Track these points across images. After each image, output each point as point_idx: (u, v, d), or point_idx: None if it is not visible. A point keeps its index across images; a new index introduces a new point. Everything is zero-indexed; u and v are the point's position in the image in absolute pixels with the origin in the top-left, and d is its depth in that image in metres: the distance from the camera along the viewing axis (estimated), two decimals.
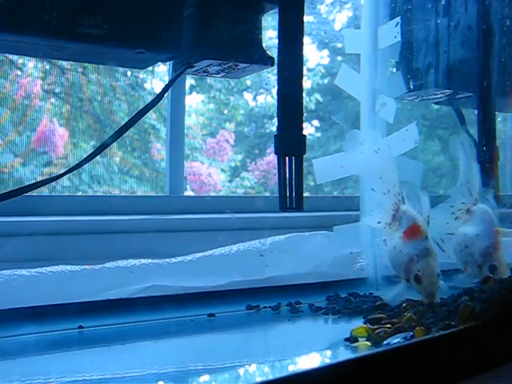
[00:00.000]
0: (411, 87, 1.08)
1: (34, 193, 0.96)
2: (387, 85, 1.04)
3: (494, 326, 0.67)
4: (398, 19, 1.02)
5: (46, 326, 0.74)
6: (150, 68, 1.63)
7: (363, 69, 1.05)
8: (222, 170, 2.11)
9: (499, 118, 1.43)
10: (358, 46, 1.05)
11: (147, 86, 1.85)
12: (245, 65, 0.85)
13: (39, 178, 1.02)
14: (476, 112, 1.08)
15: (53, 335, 0.73)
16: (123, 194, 1.69)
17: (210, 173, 1.99)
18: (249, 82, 2.22)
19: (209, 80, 2.06)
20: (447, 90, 1.07)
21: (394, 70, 1.11)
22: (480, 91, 1.04)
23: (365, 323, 0.73)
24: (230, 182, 2.20)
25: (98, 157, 1.27)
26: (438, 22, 1.05)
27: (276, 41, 0.85)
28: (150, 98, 0.85)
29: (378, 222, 0.86)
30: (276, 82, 0.84)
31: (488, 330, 0.66)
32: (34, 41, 0.74)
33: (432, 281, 0.76)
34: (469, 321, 0.66)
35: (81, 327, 0.76)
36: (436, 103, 1.16)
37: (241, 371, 0.56)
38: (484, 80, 1.03)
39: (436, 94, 1.09)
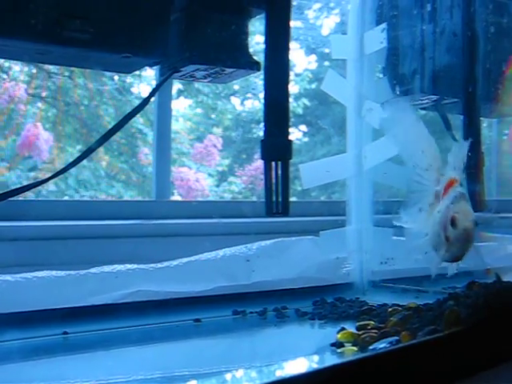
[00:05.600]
0: (397, 93, 1.08)
1: (20, 197, 0.96)
2: (373, 90, 1.05)
3: (480, 330, 0.67)
4: (384, 25, 1.03)
5: (30, 332, 0.73)
6: (138, 72, 1.63)
7: (349, 74, 1.06)
8: (210, 174, 2.11)
9: (485, 123, 1.44)
10: (344, 52, 1.05)
11: (134, 90, 1.85)
12: (231, 70, 0.85)
13: (25, 183, 1.02)
14: (462, 117, 1.08)
15: (37, 341, 0.72)
16: (110, 198, 1.69)
17: (198, 178, 1.99)
18: (236, 87, 2.23)
19: (196, 85, 2.06)
20: (433, 96, 1.08)
21: (381, 75, 1.12)
22: (465, 97, 1.05)
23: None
24: (218, 186, 2.20)
25: (85, 161, 1.27)
26: (424, 28, 1.05)
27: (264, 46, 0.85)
28: (137, 103, 0.85)
29: (420, 210, 0.79)
30: (263, 87, 0.84)
31: (473, 334, 0.67)
32: (19, 44, 0.73)
33: (468, 219, 0.70)
34: (454, 326, 0.66)
35: (65, 333, 0.75)
36: (422, 109, 1.17)
37: (227, 377, 0.56)
38: (469, 86, 1.04)
39: (422, 100, 1.09)
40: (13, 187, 0.79)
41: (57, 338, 0.74)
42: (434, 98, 1.08)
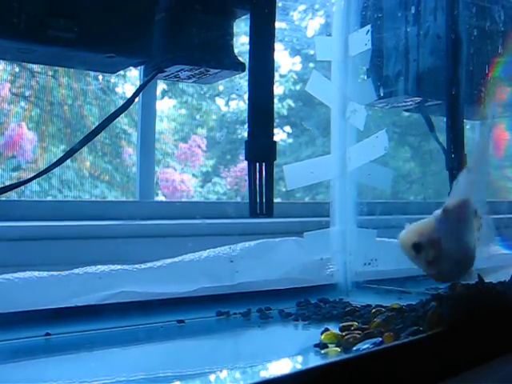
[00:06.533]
0: (381, 94, 1.09)
1: (3, 197, 0.95)
2: (358, 92, 1.05)
3: (462, 331, 0.68)
4: (368, 27, 1.03)
5: (12, 334, 0.72)
6: (122, 72, 1.62)
7: (334, 76, 1.06)
8: (194, 175, 2.11)
9: (468, 125, 1.45)
10: (328, 53, 1.05)
11: (119, 90, 1.84)
12: (216, 70, 0.85)
13: (8, 183, 1.01)
14: (445, 119, 1.09)
15: (19, 343, 0.72)
16: (93, 199, 1.68)
17: (183, 179, 1.98)
18: (221, 88, 2.22)
19: (181, 85, 2.06)
20: (416, 98, 1.08)
21: (365, 77, 1.12)
22: (448, 99, 1.06)
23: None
24: (202, 187, 2.19)
25: (69, 161, 1.26)
26: (408, 30, 1.06)
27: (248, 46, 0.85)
28: (121, 103, 0.84)
29: None
30: (247, 88, 0.84)
31: (456, 335, 0.67)
32: (1, 43, 0.73)
33: (405, 235, 0.75)
34: (437, 326, 0.66)
35: (48, 334, 0.74)
36: (406, 110, 1.17)
37: (211, 378, 0.56)
38: (452, 88, 1.05)
39: (406, 102, 1.10)
40: None
41: (39, 340, 0.73)
42: (418, 99, 1.09)
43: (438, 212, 0.76)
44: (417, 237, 0.74)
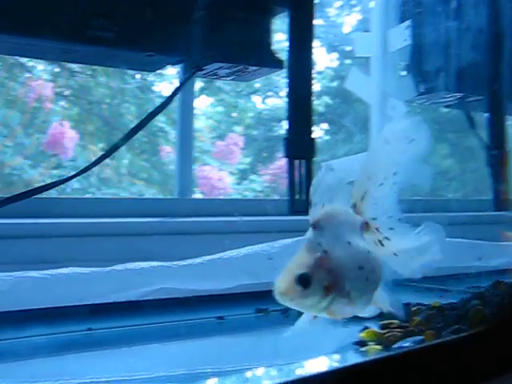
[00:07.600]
0: (421, 90, 1.08)
1: (44, 195, 0.97)
2: (397, 88, 1.04)
3: (505, 330, 0.67)
4: (408, 22, 1.02)
5: (55, 328, 0.74)
6: (159, 70, 1.64)
7: (373, 72, 1.05)
8: (231, 172, 2.11)
9: (510, 121, 1.42)
10: (367, 49, 1.05)
11: (156, 88, 1.86)
12: (254, 68, 0.86)
13: (49, 181, 1.03)
14: (486, 116, 1.07)
15: (62, 337, 0.73)
16: (132, 196, 1.70)
17: (221, 176, 1.99)
18: (257, 85, 2.23)
19: (217, 82, 2.07)
20: (457, 94, 1.07)
21: (405, 73, 1.11)
22: (490, 95, 1.04)
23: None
24: (239, 184, 2.20)
25: (107, 159, 1.27)
26: (448, 25, 1.04)
27: (286, 43, 0.85)
28: (158, 101, 0.85)
29: None
30: (286, 85, 0.84)
31: (498, 334, 0.66)
32: (45, 44, 0.74)
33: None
34: (479, 325, 0.65)
35: (90, 329, 0.76)
36: (446, 106, 1.16)
37: (249, 374, 0.56)
38: (494, 83, 1.03)
39: (446, 98, 1.09)
40: (37, 185, 0.80)
41: (81, 334, 0.75)
42: (459, 95, 1.08)
43: (308, 235, 0.61)
44: (299, 270, 0.58)
